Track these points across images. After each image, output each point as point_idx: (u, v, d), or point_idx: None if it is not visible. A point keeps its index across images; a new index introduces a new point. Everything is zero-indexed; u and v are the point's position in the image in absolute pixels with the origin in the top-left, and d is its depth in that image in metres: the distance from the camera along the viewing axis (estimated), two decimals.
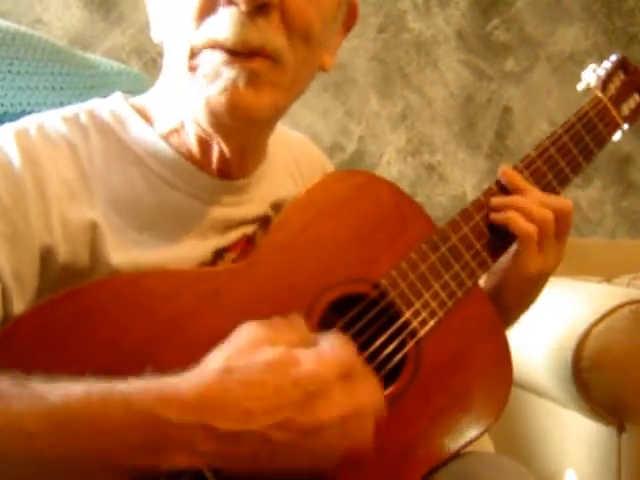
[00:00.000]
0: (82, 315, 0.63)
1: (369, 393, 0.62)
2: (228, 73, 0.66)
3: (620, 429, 1.30)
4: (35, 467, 0.54)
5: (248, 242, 0.78)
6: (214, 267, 0.73)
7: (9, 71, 0.88)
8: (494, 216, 0.83)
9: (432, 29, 2.07)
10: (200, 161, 0.74)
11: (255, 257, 0.72)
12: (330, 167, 0.95)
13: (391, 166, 2.03)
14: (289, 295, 0.71)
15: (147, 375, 0.57)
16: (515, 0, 2.15)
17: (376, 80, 2.02)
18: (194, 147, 0.73)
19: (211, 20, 0.66)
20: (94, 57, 1.00)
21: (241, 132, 0.72)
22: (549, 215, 0.81)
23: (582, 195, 2.19)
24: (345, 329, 0.74)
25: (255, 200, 0.79)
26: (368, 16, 2.00)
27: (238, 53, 0.66)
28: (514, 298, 0.87)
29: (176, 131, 0.74)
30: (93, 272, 0.68)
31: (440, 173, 2.08)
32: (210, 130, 0.70)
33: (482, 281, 0.86)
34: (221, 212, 0.76)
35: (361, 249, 0.76)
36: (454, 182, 2.09)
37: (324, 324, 0.72)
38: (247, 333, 0.61)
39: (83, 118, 0.73)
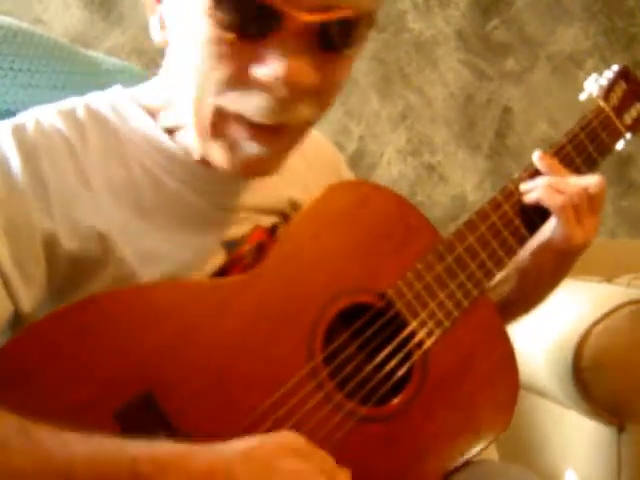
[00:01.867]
0: (87, 329, 0.62)
1: None
2: (251, 148, 0.65)
3: (620, 429, 1.30)
4: None
5: (266, 233, 0.77)
6: (221, 278, 0.72)
7: (11, 68, 0.88)
8: (527, 197, 0.85)
9: (432, 29, 2.07)
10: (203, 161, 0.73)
11: (262, 267, 0.72)
12: (343, 164, 0.95)
13: (391, 166, 2.03)
14: (296, 305, 0.71)
15: (161, 436, 0.56)
16: (515, 0, 2.15)
17: (376, 80, 2.02)
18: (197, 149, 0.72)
19: (241, 94, 0.62)
20: (96, 55, 1.00)
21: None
22: (580, 190, 0.84)
23: None
24: (352, 339, 0.74)
25: (266, 189, 0.78)
26: None
27: (264, 127, 0.64)
28: (553, 271, 0.89)
29: (177, 127, 0.73)
30: (106, 264, 0.67)
31: (440, 173, 2.08)
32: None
33: (518, 258, 0.88)
34: (228, 200, 0.75)
35: (367, 259, 0.76)
36: (454, 182, 2.08)
37: (331, 334, 0.72)
38: (288, 437, 0.59)
39: (80, 112, 0.73)
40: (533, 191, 0.85)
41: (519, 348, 1.38)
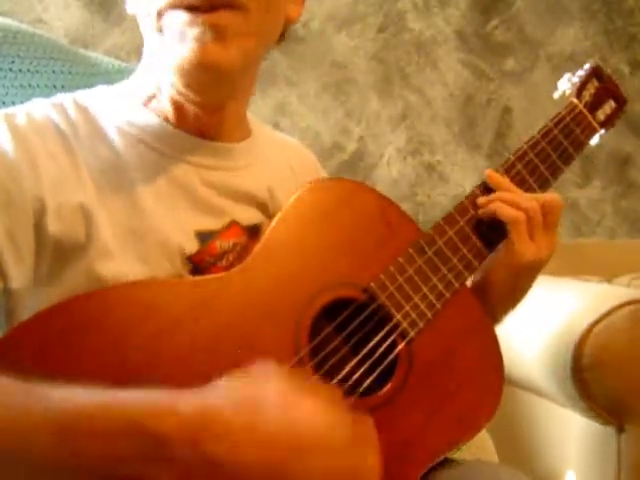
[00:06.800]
0: (72, 329, 0.63)
1: (368, 465, 0.57)
2: (193, 32, 0.67)
3: (620, 429, 1.30)
4: (25, 468, 0.52)
5: (245, 233, 0.78)
6: (204, 276, 0.73)
7: (10, 69, 0.89)
8: (482, 211, 0.85)
9: (432, 29, 2.07)
10: (178, 124, 0.76)
11: (244, 265, 0.72)
12: (323, 172, 0.96)
13: (391, 166, 2.03)
14: (280, 301, 0.72)
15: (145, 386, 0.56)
16: (515, 0, 2.15)
17: (376, 80, 2.02)
18: (170, 110, 0.75)
19: None
20: (95, 55, 1.00)
21: (214, 86, 0.73)
22: (535, 204, 0.84)
23: (582, 195, 2.19)
24: (337, 333, 0.75)
25: (246, 174, 0.80)
26: (368, 16, 2.01)
27: (199, 8, 0.67)
28: (507, 289, 0.88)
29: (154, 96, 0.76)
30: (88, 246, 0.68)
31: (440, 173, 2.08)
32: (184, 90, 0.72)
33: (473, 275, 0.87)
34: (208, 175, 0.77)
35: (349, 255, 0.77)
36: (454, 182, 2.09)
37: (316, 330, 0.72)
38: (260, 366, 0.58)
39: (68, 105, 0.76)
40: (489, 204, 0.85)
41: (519, 347, 1.39)
